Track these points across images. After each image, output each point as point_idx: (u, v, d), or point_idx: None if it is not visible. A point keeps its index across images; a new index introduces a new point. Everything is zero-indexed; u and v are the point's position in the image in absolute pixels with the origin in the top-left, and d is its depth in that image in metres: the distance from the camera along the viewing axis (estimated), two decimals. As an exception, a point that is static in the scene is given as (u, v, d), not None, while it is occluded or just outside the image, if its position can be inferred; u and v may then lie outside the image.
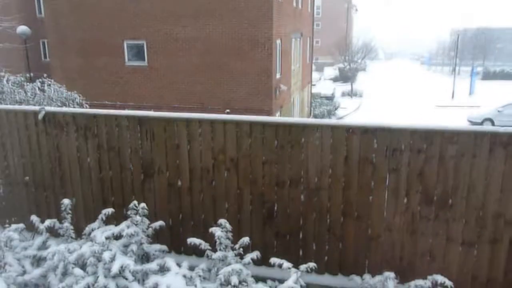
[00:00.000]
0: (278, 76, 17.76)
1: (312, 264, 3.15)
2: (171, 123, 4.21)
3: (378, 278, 3.68)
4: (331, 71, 50.26)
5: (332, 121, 4.07)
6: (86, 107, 11.09)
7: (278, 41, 17.53)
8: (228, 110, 16.97)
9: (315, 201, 3.98)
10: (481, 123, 26.21)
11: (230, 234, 3.61)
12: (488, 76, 50.13)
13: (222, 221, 3.56)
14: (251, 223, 4.18)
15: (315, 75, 38.64)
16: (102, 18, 17.49)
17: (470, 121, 27.00)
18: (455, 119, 27.71)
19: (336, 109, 30.60)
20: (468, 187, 3.62)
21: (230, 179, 4.15)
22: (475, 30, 58.79)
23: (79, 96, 11.49)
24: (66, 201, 4.04)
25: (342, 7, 61.72)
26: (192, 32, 16.80)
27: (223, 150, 4.11)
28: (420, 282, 3.51)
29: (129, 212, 3.81)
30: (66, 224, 4.00)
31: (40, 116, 4.57)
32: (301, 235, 4.10)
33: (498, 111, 26.06)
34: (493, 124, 25.79)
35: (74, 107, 10.55)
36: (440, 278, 3.41)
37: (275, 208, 4.10)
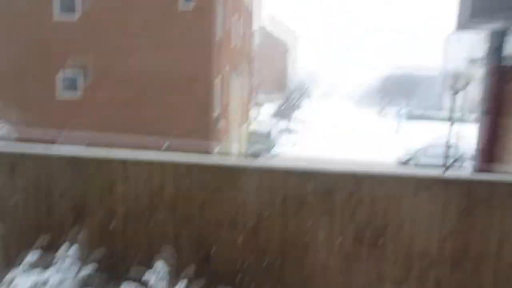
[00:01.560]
0: (217, 112, 17.92)
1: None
2: (106, 163, 4.08)
3: (314, 319, 3.72)
4: (268, 109, 51.53)
5: (270, 163, 4.18)
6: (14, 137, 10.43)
7: (218, 78, 17.82)
8: (167, 143, 16.73)
9: (252, 243, 3.99)
10: (407, 161, 28.05)
11: (166, 280, 3.50)
12: (412, 117, 53.97)
13: (158, 263, 3.45)
14: (189, 266, 4.08)
15: (253, 112, 39.46)
16: (33, 47, 16.80)
17: (398, 159, 28.74)
18: (384, 157, 29.38)
19: (274, 145, 31.23)
20: (397, 227, 3.84)
21: (167, 220, 4.06)
22: (400, 75, 63.80)
23: (7, 127, 10.80)
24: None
25: (278, 48, 64.30)
26: (132, 65, 16.61)
27: (160, 191, 4.03)
28: (354, 321, 3.59)
29: (57, 257, 3.58)
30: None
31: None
32: (239, 278, 4.06)
33: (422, 150, 28.03)
34: (417, 162, 27.69)
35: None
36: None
37: (213, 250, 4.05)
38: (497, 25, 5.02)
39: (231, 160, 3.97)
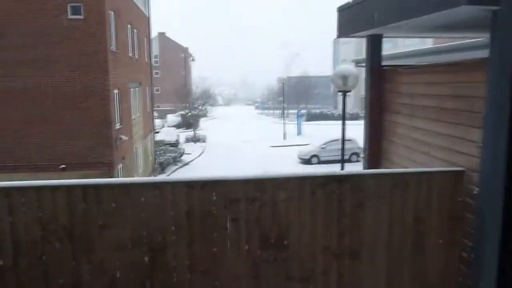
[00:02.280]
0: (117, 126, 17.16)
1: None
2: (-14, 194, 3.66)
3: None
4: (174, 118, 50.75)
5: (172, 178, 4.10)
6: None
7: (116, 91, 17.08)
8: (63, 166, 15.58)
9: (160, 261, 3.87)
10: (309, 159, 29.56)
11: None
12: (311, 117, 57.20)
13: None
14: (92, 295, 3.83)
15: (158, 122, 38.51)
16: None
17: (300, 158, 30.19)
18: (288, 157, 30.62)
19: (181, 155, 30.79)
20: (299, 227, 4.01)
21: (63, 250, 3.76)
22: (297, 78, 67.10)
23: None
24: None
25: (179, 56, 63.73)
26: (18, 82, 15.19)
27: (53, 219, 3.73)
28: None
29: None
30: None
31: None
32: (148, 299, 3.91)
33: (322, 148, 29.79)
34: (319, 158, 29.34)
35: None
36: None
37: (117, 275, 3.85)
38: (372, 31, 5.52)
39: (129, 178, 3.81)
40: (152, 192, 3.81)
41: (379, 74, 6.05)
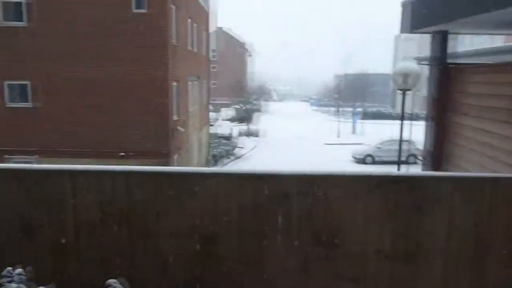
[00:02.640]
0: (175, 118, 17.69)
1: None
2: (54, 175, 3.91)
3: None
4: (228, 112, 51.57)
5: (226, 169, 4.15)
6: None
7: (175, 83, 17.59)
8: (122, 153, 16.32)
9: (211, 250, 3.95)
10: (364, 159, 28.84)
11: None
12: (367, 116, 55.72)
13: (111, 281, 3.34)
14: (146, 278, 3.98)
15: (212, 116, 39.28)
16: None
17: (354, 157, 29.54)
18: (342, 155, 30.06)
19: (234, 149, 31.23)
20: (351, 226, 3.91)
21: (121, 233, 3.94)
22: (354, 76, 65.57)
23: None
24: None
25: (236, 50, 64.50)
26: (83, 73, 16.07)
27: (112, 203, 3.91)
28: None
29: (2, 280, 3.38)
30: None
31: None
32: (197, 286, 4.00)
33: (377, 147, 28.95)
34: (373, 159, 28.55)
35: None
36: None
37: (170, 260, 3.97)
38: (439, 27, 5.25)
39: (186, 167, 3.91)
40: (207, 182, 3.88)
41: (445, 73, 5.75)
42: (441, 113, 5.82)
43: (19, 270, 3.39)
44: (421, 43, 51.74)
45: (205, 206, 3.90)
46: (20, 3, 15.85)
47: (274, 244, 3.95)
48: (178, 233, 3.93)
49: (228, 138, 34.54)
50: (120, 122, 16.43)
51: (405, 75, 10.15)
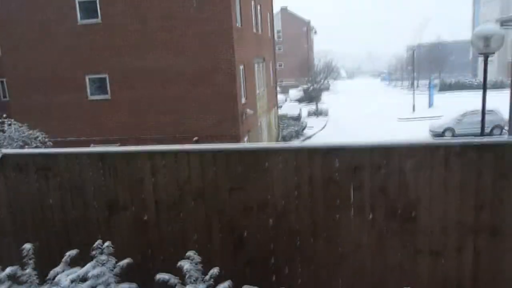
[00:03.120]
0: (243, 101, 17.93)
1: (284, 289, 3.13)
2: (133, 156, 4.16)
3: (351, 296, 3.69)
4: (296, 93, 51.22)
5: (295, 145, 4.14)
6: (50, 145, 10.80)
7: (241, 67, 17.78)
8: (196, 138, 16.92)
9: (283, 225, 3.99)
10: (443, 133, 27.19)
11: (200, 266, 3.56)
12: (445, 87, 52.29)
13: (190, 253, 3.51)
14: (222, 252, 4.14)
15: (280, 97, 39.25)
16: (61, 54, 17.28)
17: (432, 132, 27.94)
18: (418, 131, 28.60)
19: (303, 129, 31.04)
20: (429, 199, 3.73)
21: (197, 209, 4.11)
22: (428, 45, 61.58)
23: (42, 134, 11.19)
24: (27, 246, 3.88)
25: (301, 30, 63.47)
26: (154, 63, 16.81)
27: (188, 181, 4.08)
28: (392, 296, 3.54)
29: (94, 252, 3.70)
30: (29, 270, 3.83)
31: (-4, 160, 4.42)
32: (272, 260, 4.08)
33: (458, 120, 27.10)
34: (453, 133, 26.82)
35: (36, 146, 10.25)
36: (411, 291, 3.45)
37: (245, 234, 4.08)
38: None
39: (254, 145, 3.95)
40: (277, 158, 3.90)
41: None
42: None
43: (108, 243, 3.69)
44: (504, 4, 47.17)
45: (276, 181, 3.93)
46: (95, 1, 16.85)
47: (347, 218, 3.89)
48: (251, 208, 4.02)
49: (297, 118, 34.37)
50: (193, 108, 17.00)
51: (486, 38, 9.32)
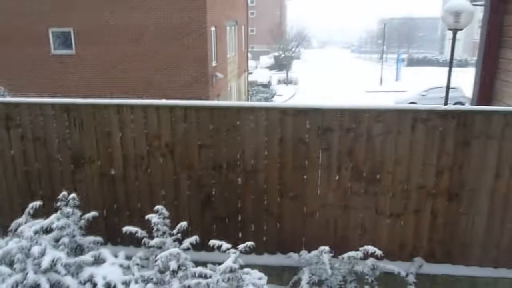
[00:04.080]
0: (214, 64, 17.63)
1: (250, 243, 3.19)
2: (101, 108, 4.04)
3: (314, 252, 3.82)
4: (267, 60, 50.74)
5: (266, 103, 4.14)
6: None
7: (213, 28, 17.36)
8: (164, 100, 16.59)
9: (252, 183, 4.03)
10: (407, 107, 27.85)
11: (167, 221, 3.56)
12: (412, 62, 53.26)
13: (158, 207, 3.50)
14: (189, 208, 4.16)
15: (251, 63, 38.81)
16: (22, 4, 16.25)
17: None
18: (383, 103, 29.19)
19: (273, 96, 31.01)
20: (394, 162, 3.85)
21: (166, 165, 4.08)
22: (400, 20, 62.14)
23: (1, 88, 10.66)
24: (-13, 197, 3.75)
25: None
26: (122, 19, 16.13)
27: (157, 136, 4.02)
28: (352, 253, 3.69)
29: (58, 204, 3.62)
30: (-11, 221, 3.72)
31: (-48, 107, 4.18)
32: (239, 217, 4.15)
33: (422, 95, 27.86)
34: (417, 107, 27.53)
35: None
36: (370, 248, 3.61)
37: (213, 192, 4.10)
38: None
39: (226, 102, 3.92)
40: (248, 117, 3.90)
41: (502, 4, 5.31)
42: (493, 49, 5.45)
43: (73, 196, 3.61)
44: (475, -17, 47.88)
45: (246, 140, 3.94)
46: None
47: (315, 179, 3.98)
48: (220, 166, 4.03)
49: (267, 86, 34.23)
50: (160, 69, 16.57)
51: (457, 13, 9.47)
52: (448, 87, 10.40)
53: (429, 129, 3.74)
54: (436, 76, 30.37)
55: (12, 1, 16.25)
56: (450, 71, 10.09)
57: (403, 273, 3.79)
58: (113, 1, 16.02)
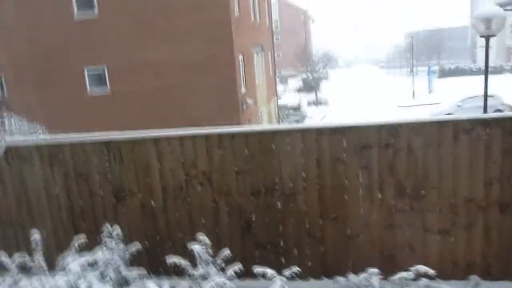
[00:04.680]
0: (243, 90, 17.86)
1: (295, 269, 3.12)
2: (138, 143, 4.13)
3: (362, 276, 3.67)
4: (295, 83, 51.05)
5: (302, 125, 4.11)
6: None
7: (240, 57, 17.68)
8: (198, 129, 16.85)
9: (291, 207, 3.97)
10: (443, 119, 27.07)
11: (209, 250, 3.54)
12: (444, 73, 52.12)
13: (200, 236, 3.49)
14: (230, 235, 4.13)
15: (279, 87, 39.11)
16: (58, 48, 17.15)
17: (433, 118, 27.83)
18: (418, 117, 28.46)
19: (303, 119, 30.99)
20: (438, 176, 3.70)
21: (205, 193, 4.09)
22: (427, 32, 61.33)
23: (41, 128, 11.17)
24: (36, 235, 3.86)
25: (299, 19, 63.11)
26: (153, 55, 16.69)
27: (194, 165, 4.06)
28: (404, 274, 3.52)
29: (102, 238, 3.68)
30: (38, 258, 3.81)
31: (0, 150, 4.39)
32: (281, 243, 4.07)
33: (458, 105, 27.07)
34: (454, 119, 26.69)
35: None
36: (422, 268, 3.44)
37: (253, 217, 4.06)
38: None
39: (261, 126, 3.92)
40: (283, 140, 3.87)
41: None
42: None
43: (116, 230, 3.67)
44: (503, -12, 46.81)
45: (283, 163, 3.91)
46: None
47: (356, 199, 3.87)
48: (259, 191, 4.00)
49: (296, 108, 34.30)
50: (191, 100, 16.91)
51: (487, 20, 9.24)
52: (486, 95, 10.06)
53: (473, 139, 3.59)
54: (470, 85, 29.47)
55: (48, 48, 17.16)
56: (486, 78, 9.79)
57: (459, 293, 3.57)
58: (141, 39, 16.63)
